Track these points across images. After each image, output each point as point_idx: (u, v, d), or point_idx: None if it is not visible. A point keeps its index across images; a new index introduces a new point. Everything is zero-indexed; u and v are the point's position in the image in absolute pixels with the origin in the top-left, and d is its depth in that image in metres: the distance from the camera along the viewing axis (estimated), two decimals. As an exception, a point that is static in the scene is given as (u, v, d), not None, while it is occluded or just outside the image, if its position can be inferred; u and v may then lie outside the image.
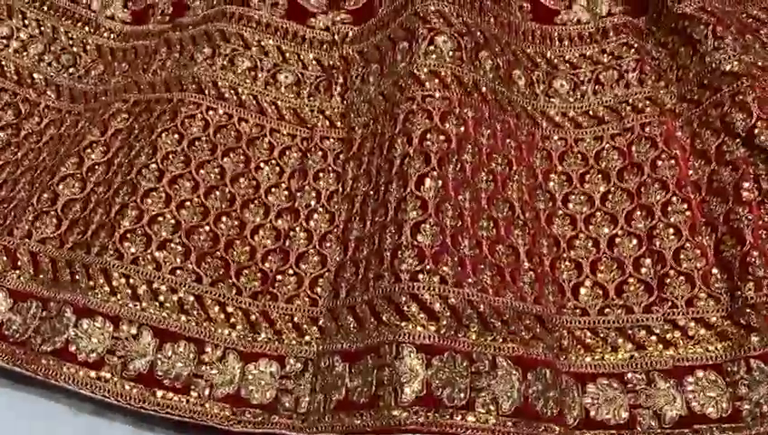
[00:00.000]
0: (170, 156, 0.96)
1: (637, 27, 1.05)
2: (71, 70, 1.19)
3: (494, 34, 1.01)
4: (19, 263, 0.92)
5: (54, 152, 1.06)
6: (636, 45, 1.03)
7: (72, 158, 1.01)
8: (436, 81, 0.91)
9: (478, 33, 0.97)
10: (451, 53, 0.93)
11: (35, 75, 1.18)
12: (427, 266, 0.79)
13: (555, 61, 1.05)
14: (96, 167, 1.00)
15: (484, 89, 0.94)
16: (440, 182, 0.84)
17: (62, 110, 1.15)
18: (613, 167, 0.95)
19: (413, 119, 0.88)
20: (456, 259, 0.81)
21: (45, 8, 1.23)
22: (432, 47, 0.93)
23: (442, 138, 0.87)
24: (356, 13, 1.12)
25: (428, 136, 0.87)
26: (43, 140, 1.10)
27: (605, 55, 1.04)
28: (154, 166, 0.95)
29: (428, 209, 0.83)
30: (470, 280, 0.80)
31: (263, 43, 1.09)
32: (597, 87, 1.01)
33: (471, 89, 0.93)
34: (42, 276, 0.91)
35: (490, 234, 0.87)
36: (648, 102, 0.98)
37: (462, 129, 0.88)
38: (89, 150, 1.01)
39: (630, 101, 0.99)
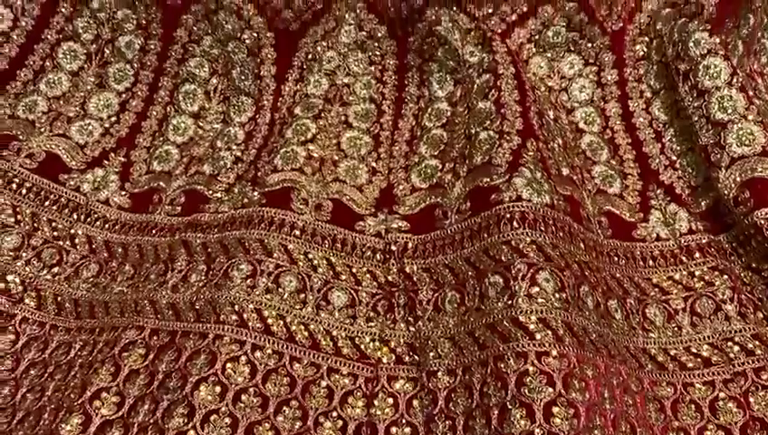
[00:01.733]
0: (212, 418, 0.76)
1: (721, 248, 0.97)
2: (55, 269, 0.97)
3: (587, 263, 0.89)
4: None
5: (38, 398, 0.82)
6: (726, 270, 0.94)
7: (72, 415, 0.77)
8: (549, 332, 0.77)
9: (575, 266, 0.86)
10: (556, 295, 0.80)
11: (9, 277, 0.95)
12: None
13: (643, 285, 0.94)
14: (108, 430, 0.77)
15: (594, 335, 0.81)
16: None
17: (44, 324, 0.92)
18: (734, 422, 0.84)
19: (530, 384, 0.74)
20: None
21: (23, 190, 1.01)
22: (536, 289, 0.80)
23: (571, 412, 0.72)
24: (413, 219, 0.99)
25: (554, 410, 0.72)
26: (20, 369, 0.87)
27: (695, 280, 0.95)
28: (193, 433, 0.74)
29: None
30: None
31: (310, 256, 0.93)
32: (695, 319, 0.91)
33: (582, 337, 0.80)
34: None
35: None
36: (756, 342, 0.89)
37: (587, 395, 0.74)
38: (97, 402, 0.78)
39: (736, 339, 0.89)
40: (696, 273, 0.95)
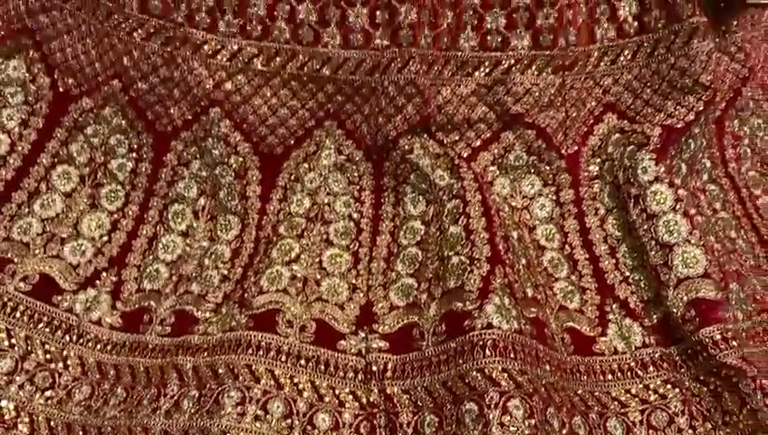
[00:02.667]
0: None
1: (672, 360, 1.06)
2: (48, 393, 1.01)
3: (553, 384, 0.97)
4: None
5: None
6: (677, 383, 1.03)
7: None
8: (520, 458, 0.85)
9: (542, 390, 0.93)
10: (526, 422, 0.87)
11: (3, 403, 0.98)
12: None
13: (604, 399, 1.03)
14: None
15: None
16: None
17: (38, 452, 0.96)
18: None
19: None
20: None
21: (17, 314, 1.05)
22: (508, 417, 0.87)
23: None
24: (392, 339, 1.06)
25: None
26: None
27: (650, 392, 1.03)
28: None
29: None
30: None
31: (296, 380, 0.99)
32: (650, 432, 1.00)
33: (549, 459, 0.88)
34: None
35: None
36: (705, 454, 0.98)
37: None
38: None
39: (687, 451, 0.98)
40: (651, 386, 1.04)
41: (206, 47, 1.14)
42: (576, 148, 1.24)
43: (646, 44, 1.20)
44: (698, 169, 1.27)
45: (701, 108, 1.19)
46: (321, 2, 1.14)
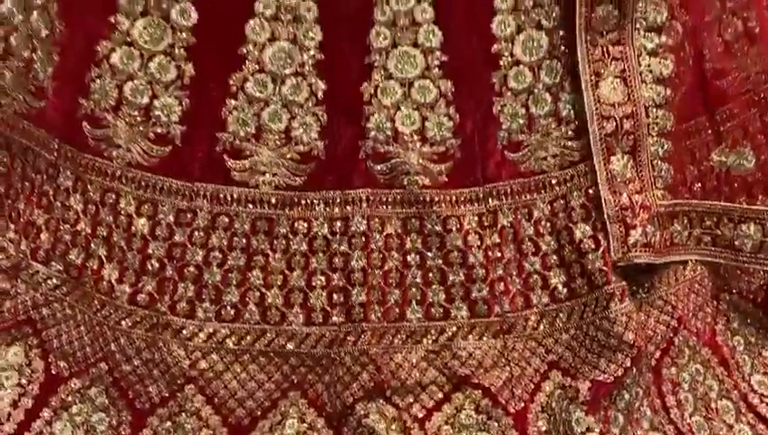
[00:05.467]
0: None
1: None
2: None
3: None
4: None
5: None
6: None
7: None
8: None
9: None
10: None
11: None
12: None
13: None
14: None
15: None
16: None
17: None
18: None
19: None
20: None
21: None
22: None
23: None
24: None
25: None
26: None
27: None
28: None
29: None
30: None
31: None
32: None
33: None
34: None
35: None
36: None
37: None
38: None
39: None
40: None
41: (185, 331, 1.32)
42: (523, 404, 1.35)
43: (576, 308, 1.37)
44: (637, 417, 1.37)
45: (628, 364, 1.33)
46: (287, 288, 1.34)
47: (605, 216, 1.36)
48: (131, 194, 1.32)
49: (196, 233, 1.32)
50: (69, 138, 1.34)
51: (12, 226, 1.40)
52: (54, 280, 1.36)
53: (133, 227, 1.32)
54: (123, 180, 1.32)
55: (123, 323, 1.32)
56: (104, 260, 1.33)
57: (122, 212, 1.32)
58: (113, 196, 1.32)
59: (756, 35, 1.44)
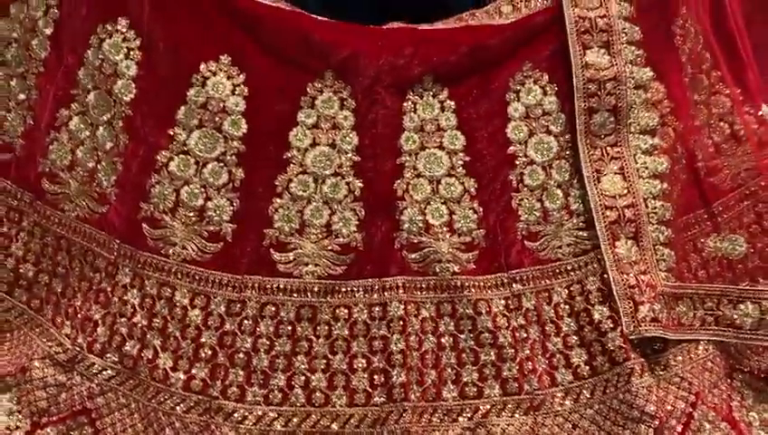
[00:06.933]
0: None
1: None
2: None
3: None
4: None
5: None
6: None
7: None
8: None
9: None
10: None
11: None
12: None
13: None
14: None
15: None
16: None
17: None
18: None
19: None
20: None
21: None
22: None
23: None
24: None
25: None
26: None
27: None
28: None
29: None
30: None
31: None
32: None
33: None
34: None
35: None
36: None
37: None
38: None
39: None
40: None
41: (236, 414, 1.40)
42: (548, 475, 1.42)
43: (599, 384, 1.46)
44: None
45: (651, 433, 1.41)
46: (330, 371, 1.44)
47: (614, 294, 1.48)
48: (186, 287, 1.44)
49: (246, 322, 1.43)
50: (129, 238, 1.47)
51: (68, 322, 1.50)
52: (110, 371, 1.45)
53: (187, 319, 1.43)
54: (179, 275, 1.45)
55: (178, 408, 1.40)
56: (159, 350, 1.43)
57: (177, 304, 1.44)
58: (169, 290, 1.45)
59: (742, 137, 1.62)
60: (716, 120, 1.64)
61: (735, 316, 1.51)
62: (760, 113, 1.70)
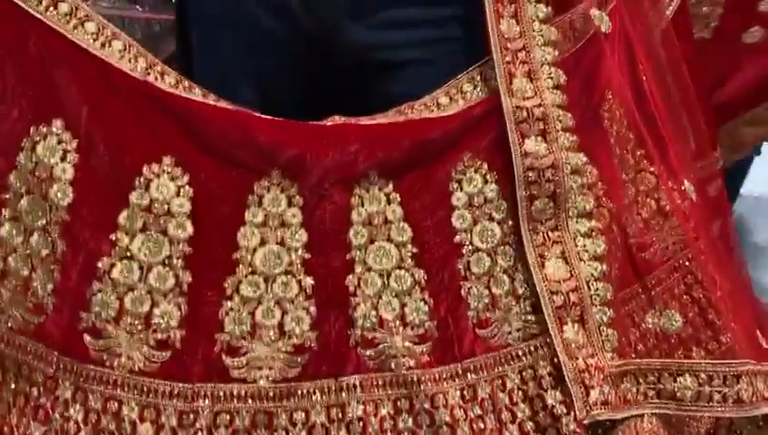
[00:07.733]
0: None
1: None
2: None
3: None
4: None
5: None
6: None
7: None
8: None
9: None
10: None
11: None
12: None
13: None
14: None
15: None
16: None
17: None
18: None
19: None
20: None
21: None
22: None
23: None
24: None
25: None
26: None
27: None
28: None
29: None
30: None
31: None
32: None
33: None
34: None
35: None
36: None
37: None
38: None
39: None
40: None
41: None
42: None
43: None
44: None
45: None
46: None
47: (566, 379, 1.51)
48: (134, 400, 1.38)
49: (200, 433, 1.38)
50: (69, 350, 1.39)
51: (3, 441, 1.41)
52: (52, 494, 1.36)
53: (137, 434, 1.36)
54: (125, 388, 1.38)
55: None
56: (107, 469, 1.36)
57: (125, 419, 1.37)
58: (115, 403, 1.38)
59: (668, 212, 1.71)
60: (643, 196, 1.72)
61: (677, 389, 1.57)
62: (683, 188, 1.81)
